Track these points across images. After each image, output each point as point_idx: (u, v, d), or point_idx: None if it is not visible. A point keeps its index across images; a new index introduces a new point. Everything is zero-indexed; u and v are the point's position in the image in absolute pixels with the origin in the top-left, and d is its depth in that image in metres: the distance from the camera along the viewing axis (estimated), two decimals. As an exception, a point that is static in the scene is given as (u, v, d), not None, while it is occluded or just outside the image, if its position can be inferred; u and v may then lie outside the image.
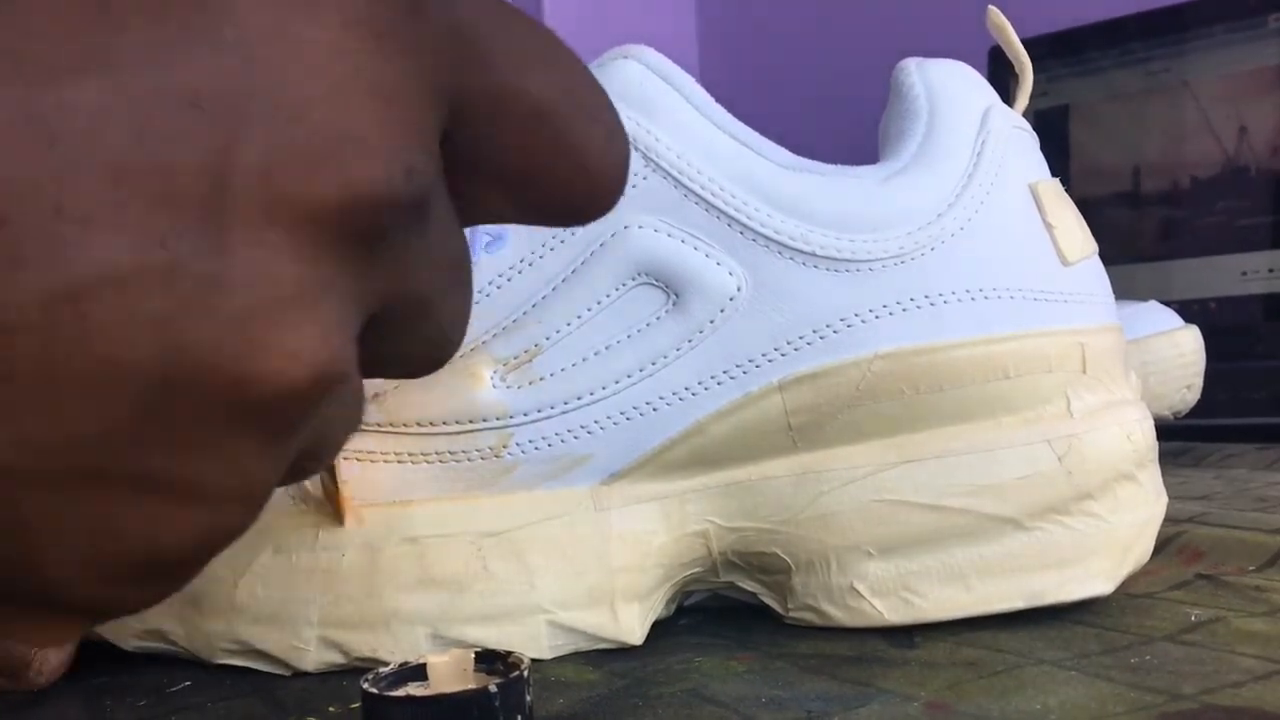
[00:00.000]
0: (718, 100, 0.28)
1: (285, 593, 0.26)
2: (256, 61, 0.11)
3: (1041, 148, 0.30)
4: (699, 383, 0.27)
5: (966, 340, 0.27)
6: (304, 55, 0.12)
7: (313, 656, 0.26)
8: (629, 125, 0.27)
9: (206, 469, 0.12)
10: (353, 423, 0.14)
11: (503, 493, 0.27)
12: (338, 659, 0.26)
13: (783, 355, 0.27)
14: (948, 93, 0.29)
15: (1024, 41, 0.31)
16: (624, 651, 0.27)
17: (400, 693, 0.21)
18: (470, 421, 0.27)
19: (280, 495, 0.27)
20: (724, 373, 0.27)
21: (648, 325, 0.27)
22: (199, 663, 0.27)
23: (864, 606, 0.27)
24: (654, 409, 0.27)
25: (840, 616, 0.27)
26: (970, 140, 0.28)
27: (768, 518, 0.27)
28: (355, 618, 0.26)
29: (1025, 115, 0.30)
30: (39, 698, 0.26)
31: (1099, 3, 0.85)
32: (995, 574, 0.27)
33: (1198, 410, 0.53)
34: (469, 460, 0.27)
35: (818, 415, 0.27)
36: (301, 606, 0.26)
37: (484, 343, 0.27)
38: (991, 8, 0.31)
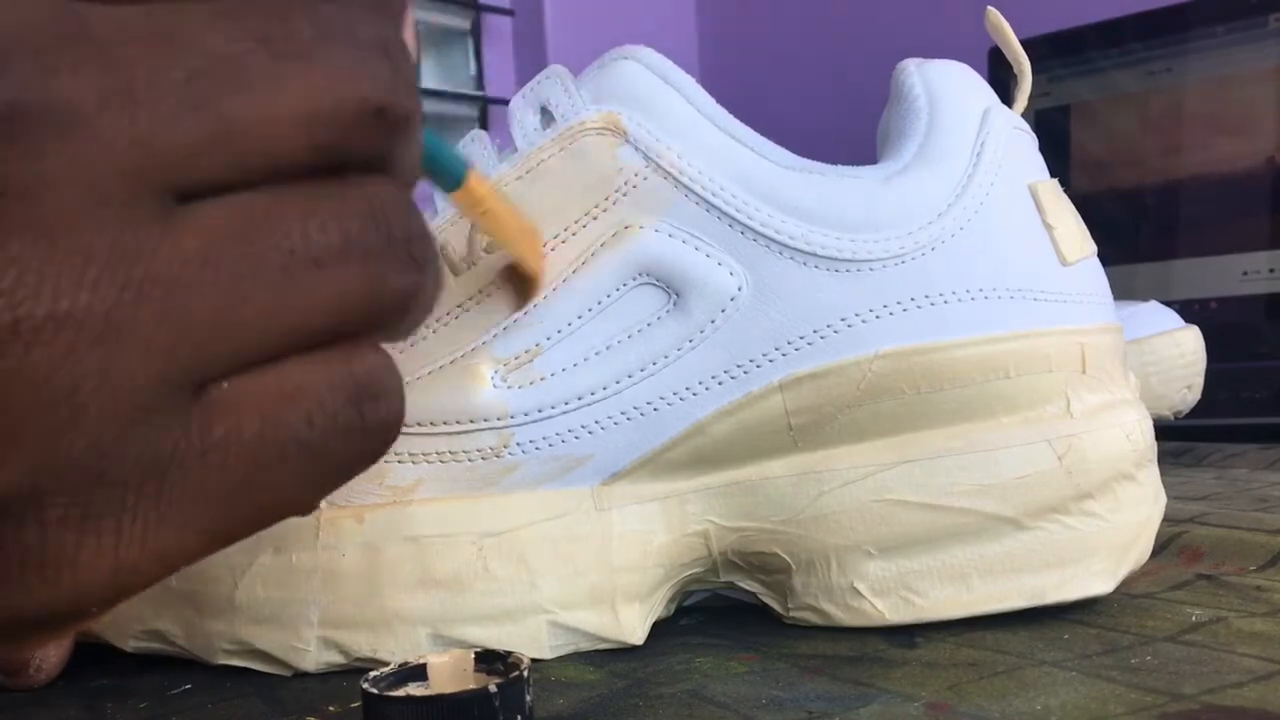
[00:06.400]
0: (718, 100, 0.28)
1: (285, 593, 0.26)
2: None
3: (1041, 148, 0.30)
4: (700, 383, 0.27)
5: (967, 340, 0.27)
6: None
7: (313, 657, 0.26)
8: (631, 125, 0.27)
9: None
10: None
11: (503, 492, 0.27)
12: (338, 659, 0.26)
13: (783, 355, 0.27)
14: (948, 93, 0.29)
15: (1023, 42, 0.31)
16: (625, 651, 0.27)
17: (400, 693, 0.21)
18: (471, 421, 0.27)
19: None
20: (725, 373, 0.27)
21: (648, 325, 0.27)
22: (199, 663, 0.27)
23: (864, 606, 0.27)
24: (655, 409, 0.27)
25: (841, 616, 0.27)
26: (970, 141, 0.28)
27: (768, 517, 0.27)
28: (355, 618, 0.26)
29: (1025, 116, 0.30)
30: (39, 699, 0.26)
31: (1099, 3, 0.85)
32: (995, 573, 0.27)
33: (1198, 410, 0.53)
34: (470, 460, 0.27)
35: (818, 415, 0.27)
36: (302, 607, 0.26)
37: (485, 343, 0.27)
38: (990, 8, 0.31)
